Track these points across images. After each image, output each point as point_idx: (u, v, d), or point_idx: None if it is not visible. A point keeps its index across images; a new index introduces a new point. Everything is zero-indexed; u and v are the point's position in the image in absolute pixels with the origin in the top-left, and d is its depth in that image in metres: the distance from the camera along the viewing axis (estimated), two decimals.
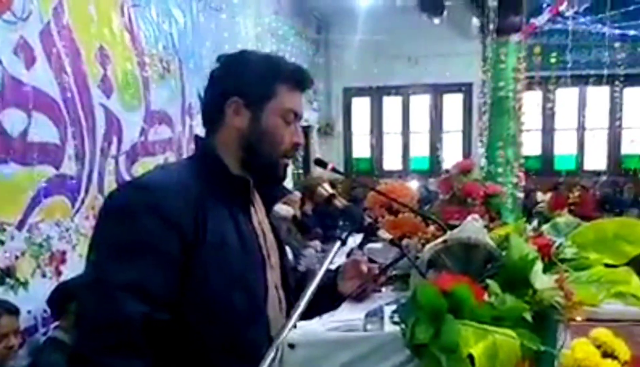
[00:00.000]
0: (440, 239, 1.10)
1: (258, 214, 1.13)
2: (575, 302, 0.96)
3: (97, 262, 0.93)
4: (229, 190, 1.05)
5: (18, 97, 2.36)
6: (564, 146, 7.48)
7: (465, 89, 7.56)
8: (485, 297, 0.94)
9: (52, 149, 2.57)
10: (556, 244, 1.25)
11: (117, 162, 3.06)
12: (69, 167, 2.65)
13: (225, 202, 1.02)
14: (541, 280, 1.01)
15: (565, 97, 7.38)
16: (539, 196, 1.38)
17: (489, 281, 0.97)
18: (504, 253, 1.07)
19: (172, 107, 3.73)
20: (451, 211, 1.48)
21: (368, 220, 1.18)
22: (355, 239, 1.07)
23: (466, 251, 1.08)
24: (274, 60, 1.10)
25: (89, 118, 2.80)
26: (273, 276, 1.11)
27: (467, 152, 7.65)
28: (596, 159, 7.38)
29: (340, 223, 1.19)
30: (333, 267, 1.29)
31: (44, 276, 2.49)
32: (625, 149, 7.28)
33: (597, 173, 6.95)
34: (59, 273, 2.59)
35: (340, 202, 1.24)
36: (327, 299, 1.19)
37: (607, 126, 7.33)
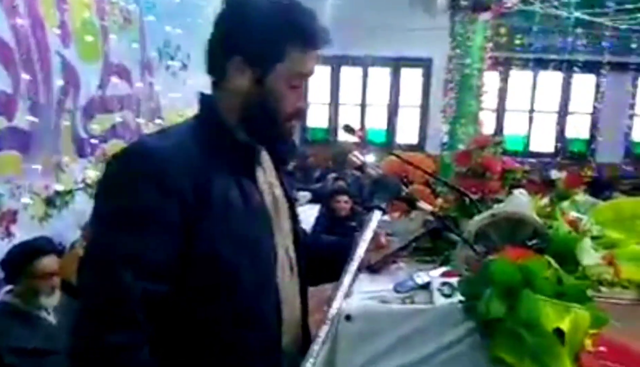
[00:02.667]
0: (488, 213, 1.09)
1: (266, 174, 1.08)
2: (624, 279, 0.99)
3: (97, 234, 0.92)
4: (233, 154, 0.99)
5: None
6: (514, 127, 7.83)
7: (425, 64, 7.65)
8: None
9: (3, 98, 2.31)
10: (583, 222, 1.28)
11: (73, 117, 2.82)
12: (22, 119, 2.40)
13: (229, 165, 0.97)
14: (589, 256, 1.03)
15: (519, 79, 7.69)
16: (554, 173, 1.42)
17: (547, 257, 0.97)
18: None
19: (131, 61, 3.47)
20: (468, 184, 1.49)
21: (405, 190, 1.15)
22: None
23: (512, 225, 1.08)
24: (286, 12, 0.97)
25: (45, 67, 2.54)
26: (283, 239, 1.07)
27: (423, 127, 7.80)
28: (543, 142, 7.80)
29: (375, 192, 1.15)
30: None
31: None
32: (571, 133, 7.75)
33: (544, 155, 7.36)
34: (9, 234, 2.37)
35: (374, 170, 1.20)
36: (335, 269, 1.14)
37: (556, 110, 7.74)
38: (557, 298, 0.88)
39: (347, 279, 0.93)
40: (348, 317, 0.89)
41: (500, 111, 7.76)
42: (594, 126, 7.67)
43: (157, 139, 1.00)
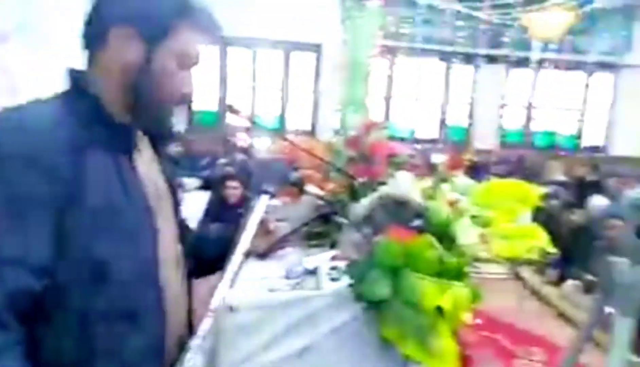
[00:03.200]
0: (375, 195, 1.11)
1: (145, 159, 1.02)
2: (498, 255, 1.07)
3: None
4: (109, 135, 0.92)
5: None
6: (401, 114, 8.26)
7: (315, 49, 7.74)
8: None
9: None
10: (461, 203, 1.37)
11: None
12: None
13: (105, 149, 0.90)
14: (466, 235, 1.10)
15: (405, 68, 8.11)
16: (435, 157, 1.51)
17: (429, 237, 1.02)
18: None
19: None
20: (357, 169, 1.52)
21: (295, 174, 1.14)
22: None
23: (396, 207, 1.12)
24: None
25: None
26: (165, 229, 1.01)
27: (315, 113, 7.91)
28: (428, 129, 8.34)
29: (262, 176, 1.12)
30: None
31: None
32: (452, 121, 8.38)
33: (428, 141, 7.88)
34: None
35: (261, 154, 1.17)
36: (222, 259, 1.12)
37: (438, 99, 8.30)
38: (438, 276, 0.93)
39: (231, 267, 0.90)
40: (232, 308, 0.85)
41: (388, 99, 8.13)
42: (471, 115, 8.35)
43: (21, 113, 0.88)
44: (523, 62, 7.91)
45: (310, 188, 1.11)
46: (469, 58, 7.91)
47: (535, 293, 5.14)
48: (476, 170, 5.95)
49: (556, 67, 8.03)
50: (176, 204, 1.09)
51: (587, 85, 8.47)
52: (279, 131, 7.53)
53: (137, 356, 0.90)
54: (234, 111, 1.25)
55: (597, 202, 5.20)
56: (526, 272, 5.37)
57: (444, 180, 1.57)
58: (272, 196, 1.02)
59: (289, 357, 0.88)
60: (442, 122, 8.38)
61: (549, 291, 4.61)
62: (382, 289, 0.83)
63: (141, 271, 0.92)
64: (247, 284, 1.13)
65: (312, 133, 7.65)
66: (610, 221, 4.10)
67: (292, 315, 0.88)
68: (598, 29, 7.84)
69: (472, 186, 1.48)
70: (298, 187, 1.10)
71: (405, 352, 0.79)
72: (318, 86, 7.81)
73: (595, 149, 8.58)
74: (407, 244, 0.86)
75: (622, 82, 8.40)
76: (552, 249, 1.31)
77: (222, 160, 6.54)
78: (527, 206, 1.38)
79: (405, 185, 1.14)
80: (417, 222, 1.13)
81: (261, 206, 0.97)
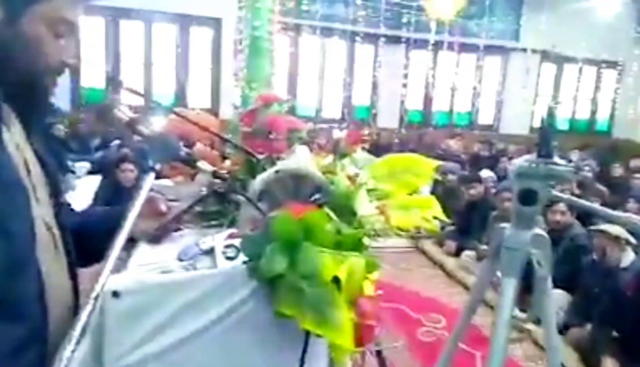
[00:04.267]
0: (271, 170, 1.10)
1: (15, 136, 0.94)
2: (394, 226, 1.11)
3: None
4: None
5: None
6: (306, 93, 8.31)
7: (214, 24, 7.50)
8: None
9: None
10: (360, 177, 1.40)
11: None
12: None
13: None
14: (364, 207, 1.13)
15: (309, 46, 8.14)
16: (336, 132, 1.52)
17: (326, 210, 1.02)
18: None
19: None
20: (255, 144, 1.49)
21: (185, 150, 1.09)
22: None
23: (296, 181, 1.11)
24: None
25: None
26: (42, 213, 0.94)
27: (216, 90, 7.70)
28: (333, 108, 8.47)
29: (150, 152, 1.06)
30: None
31: None
32: (356, 100, 8.58)
33: (333, 121, 8.01)
34: None
35: (146, 128, 1.10)
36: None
37: (343, 78, 8.44)
38: (336, 248, 0.93)
39: (114, 251, 0.84)
40: (115, 294, 0.80)
41: (293, 77, 8.13)
42: (374, 94, 8.60)
43: None
44: (422, 44, 8.28)
45: (203, 165, 1.07)
46: (370, 38, 8.11)
47: (436, 264, 5.46)
48: (379, 149, 6.17)
49: (451, 49, 8.50)
50: (55, 188, 1.01)
51: (480, 67, 9.08)
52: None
53: (15, 347, 0.83)
54: (117, 84, 1.17)
55: (485, 175, 5.61)
56: (428, 245, 5.69)
57: (344, 155, 1.59)
58: (158, 174, 0.96)
59: (182, 341, 0.84)
60: (347, 101, 8.55)
61: (449, 261, 4.95)
62: (278, 264, 0.82)
63: (15, 256, 0.84)
64: (137, 269, 1.07)
65: (214, 111, 7.45)
66: (504, 194, 4.46)
67: (184, 297, 0.84)
68: (489, 13, 8.40)
69: (370, 161, 1.52)
70: (188, 164, 1.05)
71: (303, 326, 0.79)
72: (219, 63, 7.59)
73: (488, 127, 9.26)
74: (304, 218, 0.86)
75: (510, 65, 9.11)
76: (446, 219, 1.39)
77: (116, 142, 6.16)
78: (423, 179, 1.43)
79: (303, 159, 1.13)
80: (316, 196, 1.14)
81: (147, 185, 0.91)
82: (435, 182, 6.58)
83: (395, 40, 8.26)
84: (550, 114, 1.14)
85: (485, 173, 6.36)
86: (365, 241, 1.11)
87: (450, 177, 6.11)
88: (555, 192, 1.13)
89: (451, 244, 5.03)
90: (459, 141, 8.15)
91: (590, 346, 2.99)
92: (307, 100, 8.34)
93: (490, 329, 1.18)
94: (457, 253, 4.94)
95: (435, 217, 1.23)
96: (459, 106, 9.22)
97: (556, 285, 3.54)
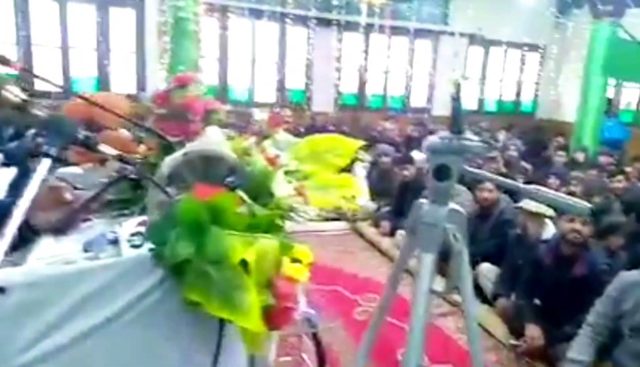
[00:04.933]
0: (179, 152, 1.05)
1: None
2: (312, 206, 1.10)
3: None
4: None
5: None
6: (238, 78, 8.14)
7: (136, 4, 7.17)
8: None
9: None
10: (282, 159, 1.38)
11: None
12: None
13: None
14: (282, 188, 1.11)
15: (239, 29, 7.96)
16: (256, 113, 1.48)
17: (239, 192, 1.00)
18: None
19: None
20: (170, 127, 1.43)
21: (84, 132, 1.03)
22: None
23: (207, 164, 1.07)
24: None
25: None
26: None
27: (141, 74, 7.38)
28: (266, 92, 8.36)
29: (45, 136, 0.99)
30: None
31: None
32: (290, 84, 8.51)
33: (267, 105, 7.92)
34: None
35: (40, 111, 1.02)
36: None
37: (275, 61, 8.34)
38: (248, 231, 0.92)
39: (2, 244, 0.77)
40: (2, 290, 0.74)
41: (223, 61, 7.93)
42: (308, 78, 8.57)
43: None
44: (354, 26, 8.33)
45: (105, 148, 1.00)
46: (301, 20, 8.06)
47: (373, 245, 5.55)
48: (315, 132, 6.16)
49: (383, 32, 8.61)
50: None
51: (411, 51, 9.26)
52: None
53: None
54: (4, 62, 1.07)
55: (417, 156, 5.76)
56: (365, 227, 5.77)
57: (266, 137, 1.57)
58: (57, 159, 0.90)
59: (82, 337, 0.79)
60: (281, 84, 8.47)
61: (384, 241, 5.05)
62: (184, 249, 0.79)
63: None
64: (38, 262, 1.00)
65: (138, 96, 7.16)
66: None
67: (82, 290, 0.80)
68: None
69: (292, 142, 1.50)
70: (89, 148, 0.98)
71: (210, 312, 0.77)
72: (143, 45, 7.28)
73: (421, 110, 9.50)
74: (210, 201, 0.83)
75: (440, 49, 9.36)
76: (365, 197, 1.41)
77: (32, 131, 5.77)
78: (345, 159, 1.44)
79: (216, 140, 1.10)
80: (231, 179, 1.11)
81: (40, 171, 0.84)
82: (372, 164, 6.68)
83: (326, 23, 8.25)
84: (458, 90, 1.16)
85: (418, 154, 6.53)
86: (289, 223, 1.10)
87: (385, 159, 6.22)
88: (467, 167, 1.16)
89: (386, 225, 5.13)
90: (393, 124, 8.31)
91: (515, 315, 3.16)
92: (240, 84, 8.18)
93: (411, 302, 1.21)
94: (392, 233, 5.05)
95: (353, 196, 1.23)
96: (392, 89, 9.38)
97: (486, 259, 3.75)
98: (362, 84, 9.16)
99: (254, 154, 1.17)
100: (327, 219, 5.25)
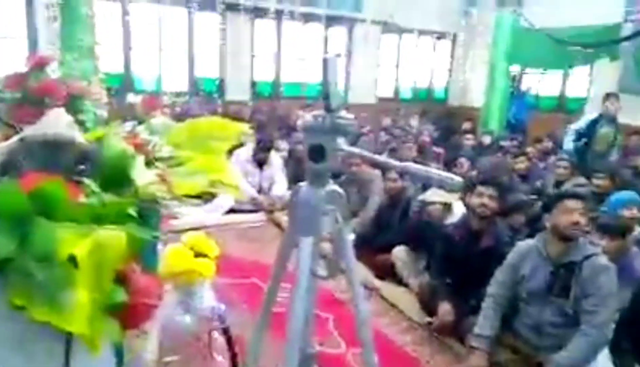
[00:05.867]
0: (14, 138, 0.93)
1: None
2: (178, 195, 1.02)
3: None
4: None
5: None
6: (144, 66, 7.75)
7: None
8: (83, 198, 0.88)
9: None
10: (152, 144, 1.29)
11: None
12: None
13: None
14: (143, 176, 1.02)
15: (143, 14, 7.57)
16: (131, 97, 1.38)
17: (85, 180, 0.90)
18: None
19: None
20: (23, 113, 1.29)
21: None
22: None
23: (52, 150, 0.97)
24: None
25: None
26: None
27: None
28: (176, 80, 8.02)
29: None
30: None
31: None
32: (201, 72, 8.24)
33: (178, 94, 7.60)
34: None
35: None
36: None
37: (185, 49, 8.02)
38: (96, 222, 0.83)
39: None
40: None
41: (127, 48, 7.53)
42: (220, 65, 8.34)
43: None
44: (265, 12, 8.20)
45: None
46: (209, 4, 7.81)
47: None
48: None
49: (294, 18, 8.55)
50: None
51: (325, 38, 9.28)
52: None
53: None
54: None
55: None
56: (282, 217, 5.74)
57: (141, 121, 1.47)
58: None
59: None
60: (191, 73, 8.18)
61: None
62: (4, 246, 0.69)
63: None
64: None
65: None
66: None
67: None
68: None
69: (169, 127, 1.41)
70: None
71: (34, 316, 0.68)
72: (35, 30, 6.72)
73: None
74: (35, 190, 0.73)
75: (355, 36, 9.47)
76: (283, 187, 1.34)
77: None
78: (227, 143, 1.37)
79: (61, 124, 0.99)
80: (83, 166, 1.01)
81: None
82: (289, 153, 6.60)
83: (235, 8, 8.04)
84: (328, 66, 1.13)
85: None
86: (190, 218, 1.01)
87: (299, 147, 6.20)
88: (344, 146, 1.13)
89: None
90: (310, 112, 8.29)
91: (429, 294, 3.28)
92: (147, 73, 7.80)
93: (292, 288, 1.18)
94: None
95: (225, 180, 1.17)
96: (308, 77, 9.36)
97: (400, 242, 3.85)
98: (277, 72, 9.07)
99: (108, 139, 1.07)
100: (243, 211, 5.16)
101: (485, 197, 3.15)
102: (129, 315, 0.82)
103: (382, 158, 1.34)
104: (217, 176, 1.14)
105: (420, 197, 3.93)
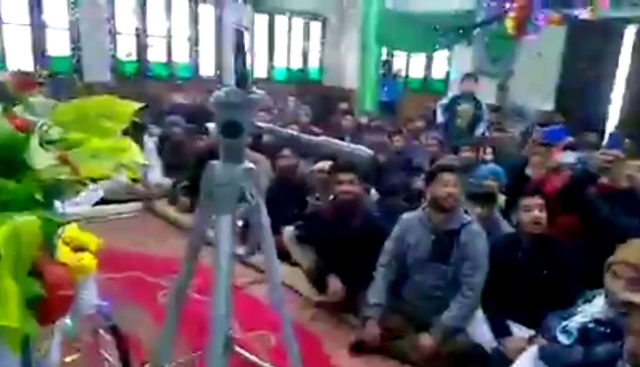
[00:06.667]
0: None
1: None
2: (83, 177, 0.97)
3: None
4: None
5: None
6: None
7: None
8: None
9: None
10: (39, 125, 1.19)
11: None
12: None
13: None
14: (41, 158, 0.95)
15: None
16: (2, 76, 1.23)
17: None
18: None
19: None
20: None
21: None
22: None
23: None
24: None
25: None
26: None
27: None
28: (21, 60, 7.21)
29: None
30: None
31: None
32: (54, 50, 7.49)
33: (26, 73, 6.81)
34: None
35: None
36: None
37: (28, 23, 7.21)
38: (3, 209, 0.76)
39: None
40: None
41: None
42: (74, 42, 7.63)
43: None
44: None
45: None
46: None
47: (172, 223, 5.35)
48: None
49: None
50: None
51: (194, 15, 8.98)
52: None
53: None
54: None
55: (212, 127, 5.69)
56: (161, 205, 5.51)
57: (14, 102, 1.34)
58: None
59: None
60: (40, 51, 7.39)
61: (184, 218, 4.90)
62: None
63: None
64: None
65: None
66: None
67: None
68: None
69: (53, 106, 1.30)
70: None
71: None
72: None
73: (211, 78, 9.32)
74: None
75: (225, 15, 9.25)
76: (158, 173, 1.31)
77: None
78: (120, 123, 1.30)
79: None
80: None
81: None
82: (162, 138, 6.34)
83: None
84: (240, 40, 1.14)
85: (212, 125, 6.40)
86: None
87: (176, 129, 5.99)
88: (258, 122, 1.15)
89: (185, 201, 4.98)
90: (182, 94, 8.00)
91: (317, 272, 3.41)
92: None
93: (213, 269, 1.17)
94: (192, 208, 4.92)
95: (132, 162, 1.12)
96: (177, 56, 9.00)
97: (287, 221, 3.93)
98: (142, 50, 8.56)
99: None
100: (118, 201, 4.87)
101: (345, 184, 3.29)
102: (48, 309, 0.77)
103: (296, 133, 1.37)
104: (126, 158, 1.09)
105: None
